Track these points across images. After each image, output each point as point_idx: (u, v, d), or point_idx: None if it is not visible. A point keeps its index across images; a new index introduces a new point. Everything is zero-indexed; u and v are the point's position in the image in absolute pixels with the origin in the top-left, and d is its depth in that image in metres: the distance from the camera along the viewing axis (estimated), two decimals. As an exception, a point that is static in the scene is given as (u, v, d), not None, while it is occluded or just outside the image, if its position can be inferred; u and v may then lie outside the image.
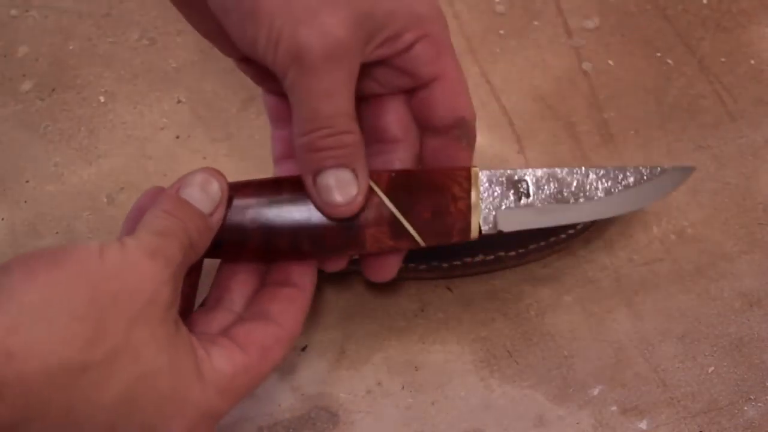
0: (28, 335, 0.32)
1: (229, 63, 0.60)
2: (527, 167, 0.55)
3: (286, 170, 0.44)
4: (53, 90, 0.58)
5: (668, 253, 0.53)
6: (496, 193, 0.42)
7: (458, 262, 0.50)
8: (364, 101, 0.43)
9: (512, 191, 0.43)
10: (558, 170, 0.43)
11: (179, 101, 0.58)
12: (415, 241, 0.41)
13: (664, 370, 0.49)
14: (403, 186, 0.41)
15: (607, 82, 0.58)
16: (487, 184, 0.42)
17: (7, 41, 0.60)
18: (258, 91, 0.58)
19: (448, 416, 0.47)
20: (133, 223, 0.39)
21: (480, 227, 0.42)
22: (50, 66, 0.59)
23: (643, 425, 0.47)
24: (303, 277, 0.42)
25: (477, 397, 0.48)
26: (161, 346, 0.35)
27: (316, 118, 0.38)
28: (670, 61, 0.59)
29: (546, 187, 0.43)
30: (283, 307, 0.41)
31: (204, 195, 0.39)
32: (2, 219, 0.53)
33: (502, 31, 0.61)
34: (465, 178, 0.41)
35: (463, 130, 0.42)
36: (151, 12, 0.61)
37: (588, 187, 0.43)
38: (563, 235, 0.51)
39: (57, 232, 0.52)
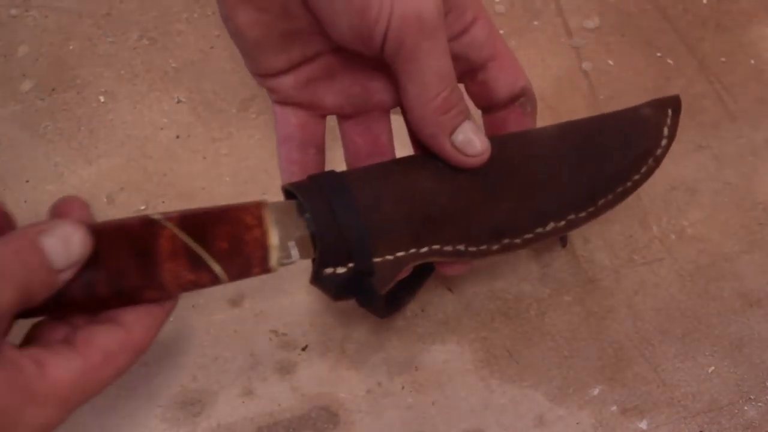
0: None
1: (229, 63, 0.60)
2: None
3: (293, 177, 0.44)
4: (53, 90, 0.58)
5: (668, 253, 0.53)
6: (289, 222, 0.40)
7: (529, 235, 0.44)
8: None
9: (302, 218, 0.40)
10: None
11: (179, 101, 0.58)
12: (215, 273, 0.38)
13: (664, 370, 0.49)
14: (196, 218, 0.39)
15: (607, 82, 0.58)
16: (278, 214, 0.40)
17: (7, 41, 0.60)
18: (258, 90, 0.58)
19: (448, 416, 0.47)
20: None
21: (278, 257, 0.39)
22: (50, 66, 0.59)
23: (643, 425, 0.47)
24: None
25: (477, 397, 0.48)
26: None
27: (445, 77, 0.40)
28: (670, 61, 0.59)
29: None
30: (135, 317, 0.38)
31: (63, 250, 0.36)
32: (2, 219, 0.53)
33: (502, 31, 0.61)
34: (255, 208, 0.39)
35: (527, 97, 0.45)
36: (151, 12, 0.61)
37: None
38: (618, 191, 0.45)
39: (57, 232, 0.52)
